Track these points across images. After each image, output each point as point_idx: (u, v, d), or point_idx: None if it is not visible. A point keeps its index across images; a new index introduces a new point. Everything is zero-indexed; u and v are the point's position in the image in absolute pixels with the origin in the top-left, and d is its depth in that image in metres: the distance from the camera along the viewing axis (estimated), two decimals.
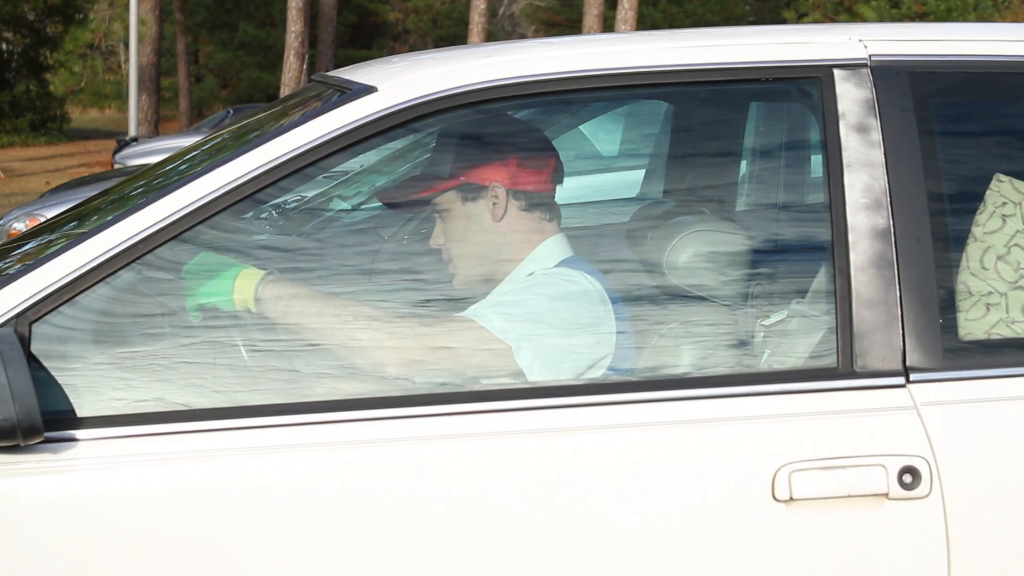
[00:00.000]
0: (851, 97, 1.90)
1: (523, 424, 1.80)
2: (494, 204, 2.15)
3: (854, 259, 1.84)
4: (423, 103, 1.87)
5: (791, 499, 1.75)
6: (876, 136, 1.88)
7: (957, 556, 1.73)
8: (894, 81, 1.90)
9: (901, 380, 1.81)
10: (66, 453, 1.70)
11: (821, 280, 1.99)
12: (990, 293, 1.87)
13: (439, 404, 1.82)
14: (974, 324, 1.86)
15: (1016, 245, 1.89)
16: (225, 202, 1.81)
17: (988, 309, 1.87)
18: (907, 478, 1.75)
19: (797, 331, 2.03)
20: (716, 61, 1.97)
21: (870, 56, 1.92)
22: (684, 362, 2.11)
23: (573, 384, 1.97)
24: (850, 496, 1.75)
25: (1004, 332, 1.86)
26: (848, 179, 1.87)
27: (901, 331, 1.81)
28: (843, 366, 1.83)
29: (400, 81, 1.91)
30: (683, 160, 2.84)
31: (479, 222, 2.16)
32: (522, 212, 2.16)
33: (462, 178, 2.15)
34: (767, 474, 1.76)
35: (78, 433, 1.72)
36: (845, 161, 1.87)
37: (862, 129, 1.88)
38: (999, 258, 1.89)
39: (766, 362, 2.05)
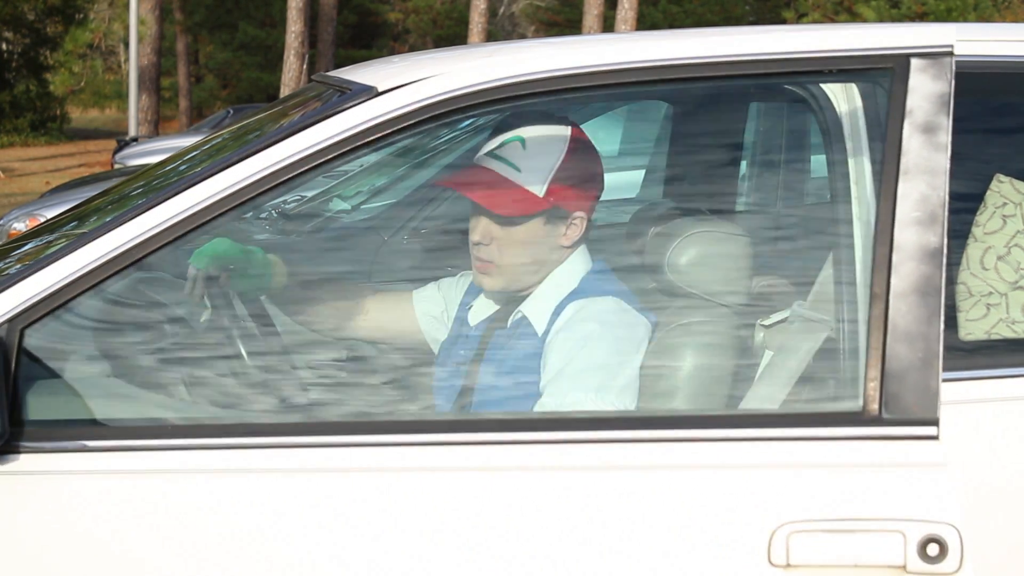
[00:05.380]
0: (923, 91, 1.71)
1: (475, 461, 1.68)
2: (569, 229, 2.13)
3: (895, 283, 1.65)
4: (426, 106, 1.81)
5: (788, 565, 1.58)
6: (944, 138, 1.69)
7: None
8: None
9: (934, 431, 1.62)
10: (41, 462, 1.69)
11: (853, 306, 1.82)
12: (990, 293, 1.87)
13: (417, 433, 1.72)
14: (974, 324, 1.86)
15: (1016, 246, 1.89)
16: (219, 209, 1.76)
17: (988, 309, 1.87)
18: (932, 549, 1.56)
19: (813, 365, 1.90)
20: (770, 51, 1.76)
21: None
22: (679, 395, 2.07)
23: (533, 418, 1.90)
24: (857, 566, 1.56)
25: (1004, 332, 1.86)
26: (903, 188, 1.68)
27: (939, 370, 1.63)
28: (868, 410, 1.63)
29: (402, 83, 1.90)
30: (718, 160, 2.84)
31: (546, 242, 2.14)
32: (583, 236, 2.17)
33: (552, 200, 2.11)
34: (764, 533, 1.59)
35: (60, 443, 1.70)
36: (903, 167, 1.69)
37: (929, 129, 1.70)
38: (999, 258, 1.89)
39: (776, 401, 1.94)
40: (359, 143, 1.79)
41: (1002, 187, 1.92)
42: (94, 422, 1.83)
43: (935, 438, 1.60)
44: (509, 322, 2.18)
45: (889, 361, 1.61)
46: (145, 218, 1.75)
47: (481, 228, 2.13)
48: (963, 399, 1.78)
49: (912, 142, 1.68)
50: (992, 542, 1.74)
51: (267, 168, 1.77)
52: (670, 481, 1.62)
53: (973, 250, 1.89)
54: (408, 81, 1.83)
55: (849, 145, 1.91)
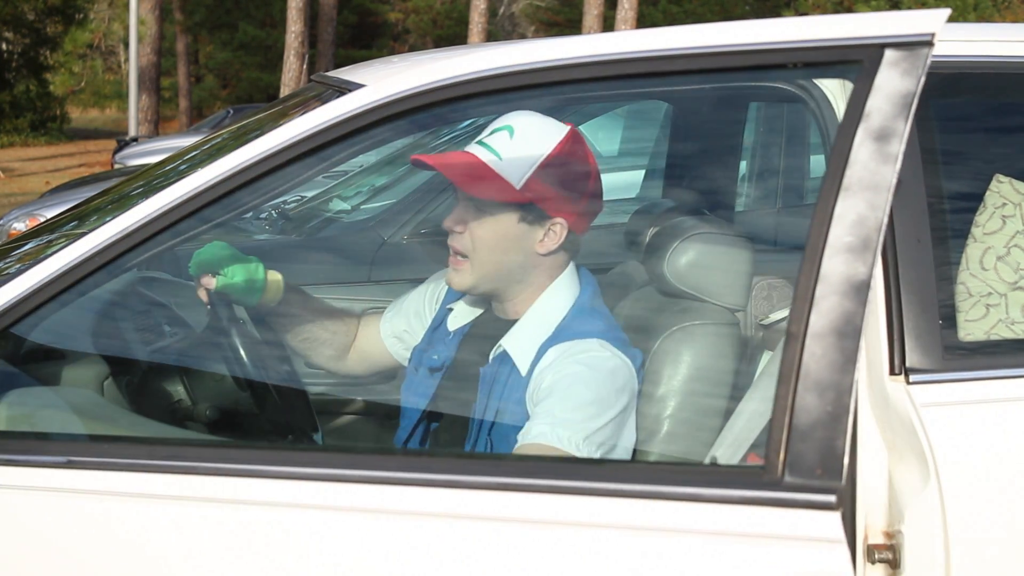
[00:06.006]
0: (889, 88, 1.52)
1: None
2: (547, 236, 2.07)
3: (814, 321, 1.42)
4: (406, 97, 1.71)
5: None
6: (896, 147, 1.47)
7: None
8: None
9: (833, 499, 1.41)
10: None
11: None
12: (990, 294, 1.87)
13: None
14: (974, 325, 1.86)
15: (1016, 246, 1.89)
16: (201, 201, 1.69)
17: (988, 310, 1.87)
18: None
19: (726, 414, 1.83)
20: (738, 42, 1.58)
21: None
22: (661, 436, 2.03)
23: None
24: None
25: (1004, 333, 1.86)
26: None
27: (847, 428, 1.41)
28: (770, 470, 1.42)
29: (389, 79, 1.86)
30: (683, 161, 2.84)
31: (521, 244, 2.07)
32: (563, 249, 2.10)
33: (529, 196, 2.03)
34: None
35: (28, 457, 1.65)
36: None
37: (882, 136, 1.49)
38: (999, 259, 1.89)
39: (673, 452, 1.87)
40: (340, 134, 1.71)
41: (1002, 187, 1.92)
42: (70, 436, 1.80)
43: (834, 508, 1.41)
44: (491, 357, 2.11)
45: (797, 414, 1.40)
46: (119, 220, 1.70)
47: (456, 215, 2.08)
48: (963, 400, 1.78)
49: (861, 152, 1.46)
50: (992, 544, 1.74)
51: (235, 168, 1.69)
52: (527, 537, 1.47)
53: (973, 250, 1.89)
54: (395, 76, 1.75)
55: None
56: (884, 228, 1.44)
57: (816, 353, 1.41)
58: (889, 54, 1.51)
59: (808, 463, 1.40)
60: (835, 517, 1.41)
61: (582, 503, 1.47)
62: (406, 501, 1.53)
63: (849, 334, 1.40)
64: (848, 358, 1.40)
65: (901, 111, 1.48)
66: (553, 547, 1.47)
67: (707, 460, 1.86)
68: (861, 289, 1.42)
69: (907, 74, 1.49)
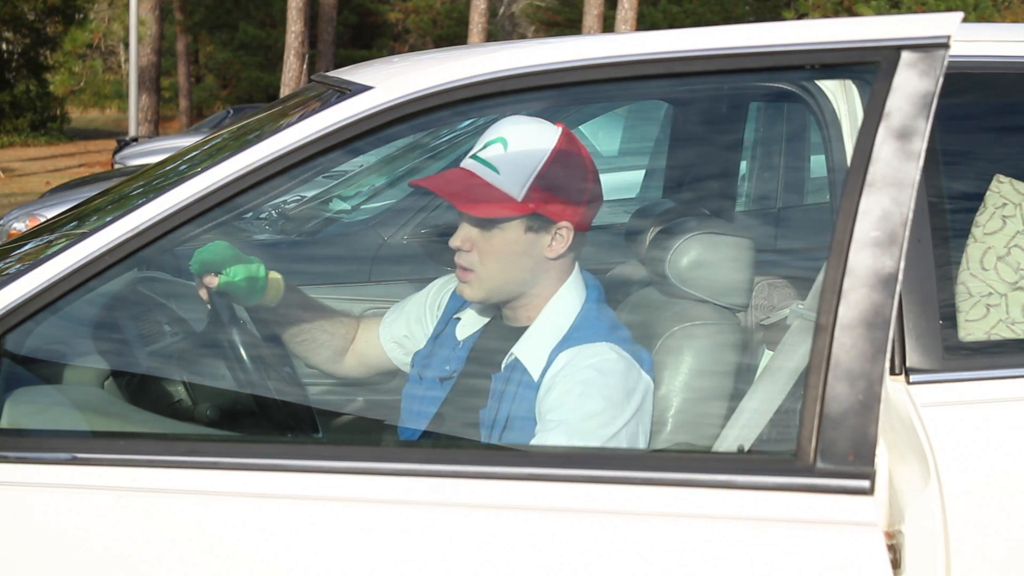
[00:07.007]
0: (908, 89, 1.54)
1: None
2: (554, 241, 2.06)
3: (843, 313, 1.46)
4: (418, 98, 1.72)
5: None
6: (919, 145, 1.50)
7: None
8: None
9: (867, 484, 1.45)
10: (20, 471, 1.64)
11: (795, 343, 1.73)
12: (990, 294, 1.87)
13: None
14: (974, 325, 1.86)
15: (1016, 246, 1.89)
16: (211, 201, 1.70)
17: (988, 310, 1.87)
18: None
19: (750, 404, 1.86)
20: (756, 44, 1.59)
21: None
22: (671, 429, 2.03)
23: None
24: None
25: (1004, 333, 1.86)
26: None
27: (879, 415, 1.45)
28: (802, 457, 1.46)
29: (397, 79, 1.87)
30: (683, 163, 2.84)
31: (530, 252, 2.06)
32: (570, 252, 2.09)
33: (532, 206, 2.03)
34: None
35: (34, 454, 1.65)
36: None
37: (904, 135, 1.52)
38: (999, 259, 1.89)
39: (774, 403, 1.88)
40: (350, 136, 1.71)
41: (1002, 187, 1.92)
42: (75, 433, 1.80)
43: (868, 492, 1.45)
44: (503, 365, 2.11)
45: (828, 402, 1.44)
46: (126, 220, 1.69)
47: (462, 233, 2.07)
48: (963, 400, 1.78)
49: (883, 149, 1.50)
50: (992, 544, 1.74)
51: (248, 167, 1.69)
52: (555, 527, 1.49)
53: (973, 250, 1.89)
54: (404, 77, 1.76)
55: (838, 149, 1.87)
56: (910, 223, 1.48)
57: (846, 344, 1.46)
58: (906, 56, 1.54)
59: (840, 450, 1.44)
60: (869, 501, 1.45)
61: (618, 492, 1.50)
62: (435, 493, 1.55)
63: (879, 325, 1.45)
64: (878, 348, 1.45)
65: (921, 110, 1.51)
66: (589, 535, 1.49)
67: (735, 449, 1.87)
68: (889, 282, 1.46)
69: (925, 75, 1.53)
